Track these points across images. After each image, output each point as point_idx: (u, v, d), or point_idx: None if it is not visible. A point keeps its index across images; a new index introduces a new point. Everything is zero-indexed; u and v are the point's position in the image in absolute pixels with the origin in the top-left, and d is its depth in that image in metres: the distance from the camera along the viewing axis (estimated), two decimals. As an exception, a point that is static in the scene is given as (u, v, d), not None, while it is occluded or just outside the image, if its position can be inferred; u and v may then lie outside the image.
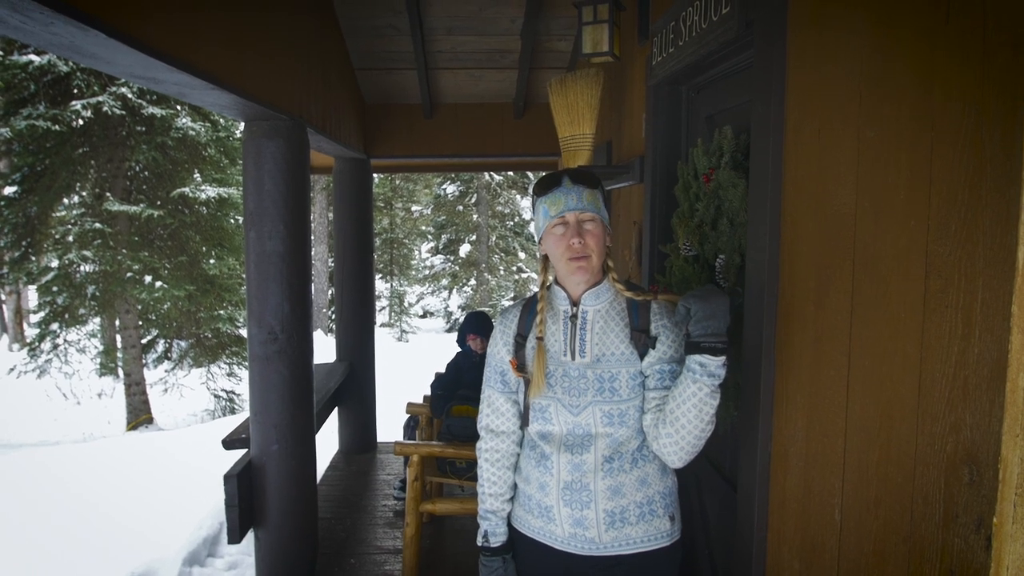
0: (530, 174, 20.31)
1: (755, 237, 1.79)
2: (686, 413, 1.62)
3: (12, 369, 10.78)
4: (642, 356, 1.74)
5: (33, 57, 9.09)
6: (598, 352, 1.75)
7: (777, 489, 1.72)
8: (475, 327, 4.32)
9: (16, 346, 17.34)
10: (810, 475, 1.54)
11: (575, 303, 1.79)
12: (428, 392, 4.79)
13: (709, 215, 2.26)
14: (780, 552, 1.70)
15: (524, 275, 21.10)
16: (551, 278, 1.86)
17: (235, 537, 3.35)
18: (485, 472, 1.92)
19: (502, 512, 1.91)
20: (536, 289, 1.93)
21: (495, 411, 1.90)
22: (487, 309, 19.68)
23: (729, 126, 2.17)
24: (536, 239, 1.84)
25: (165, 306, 10.66)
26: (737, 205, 2.08)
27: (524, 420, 1.83)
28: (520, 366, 1.81)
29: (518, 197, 21.00)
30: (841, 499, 1.41)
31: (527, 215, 21.04)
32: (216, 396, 11.33)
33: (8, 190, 10.21)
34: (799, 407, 1.60)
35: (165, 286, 10.12)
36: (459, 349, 4.45)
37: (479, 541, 1.94)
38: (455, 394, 4.12)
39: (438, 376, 4.49)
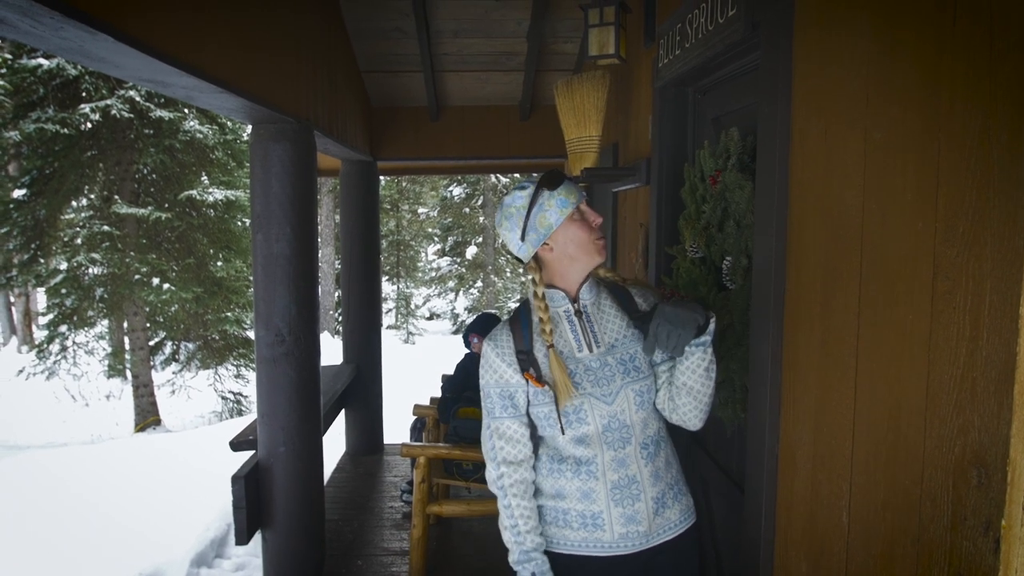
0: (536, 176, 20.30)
1: (761, 239, 1.79)
2: (699, 379, 1.72)
3: (21, 371, 10.83)
4: (645, 333, 1.73)
5: (42, 61, 9.14)
6: (609, 339, 1.78)
7: (784, 491, 1.71)
8: (480, 327, 4.31)
9: (25, 348, 17.42)
10: (817, 477, 1.54)
11: (574, 299, 1.81)
12: (436, 394, 4.80)
13: (716, 217, 2.26)
14: (787, 555, 1.70)
15: (530, 277, 21.07)
16: (545, 281, 1.82)
17: (243, 538, 3.36)
18: (516, 509, 1.75)
19: (543, 547, 1.76)
20: (515, 303, 1.91)
21: (510, 441, 1.77)
22: (494, 311, 19.69)
23: (735, 128, 2.17)
24: (536, 242, 1.75)
25: (173, 308, 10.69)
26: (744, 207, 2.07)
27: (561, 428, 1.73)
28: (539, 378, 1.73)
29: (524, 199, 20.98)
30: (849, 501, 1.41)
31: (533, 217, 20.99)
32: (223, 398, 11.36)
33: (17, 193, 10.28)
34: (806, 409, 1.59)
35: (173, 288, 10.16)
36: (466, 351, 4.45)
37: None
38: (461, 396, 4.12)
39: (445, 378, 4.50)
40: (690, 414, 1.77)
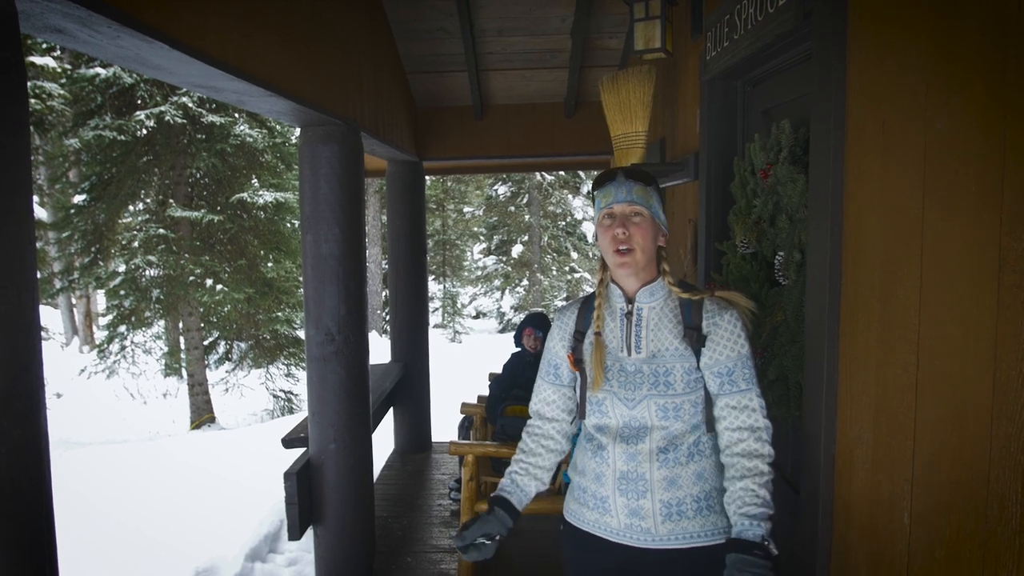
0: (582, 174, 20.23)
1: (816, 233, 1.75)
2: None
3: (83, 370, 11.20)
4: (697, 353, 1.75)
5: (99, 70, 9.43)
6: (653, 348, 1.77)
7: (842, 492, 1.67)
8: (533, 322, 4.34)
9: (86, 348, 18.00)
10: (877, 478, 1.49)
11: (630, 300, 1.82)
12: (483, 392, 4.82)
13: (767, 211, 2.22)
14: (846, 558, 1.65)
15: (576, 275, 21.01)
16: (609, 275, 1.87)
17: (295, 534, 3.42)
18: (522, 442, 2.00)
19: (516, 474, 1.95)
20: (591, 289, 1.96)
21: (542, 400, 1.97)
22: (540, 309, 19.67)
23: (787, 120, 2.13)
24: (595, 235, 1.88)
25: (226, 308, 10.92)
26: (796, 200, 2.03)
27: (581, 413, 1.87)
28: (578, 361, 1.85)
29: (570, 197, 20.92)
30: (910, 503, 1.36)
31: (579, 215, 20.95)
32: (275, 396, 11.57)
33: (78, 198, 10.63)
34: (864, 408, 1.55)
35: (225, 289, 10.39)
36: (515, 350, 4.45)
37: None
38: (509, 394, 4.13)
39: (493, 377, 4.50)
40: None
